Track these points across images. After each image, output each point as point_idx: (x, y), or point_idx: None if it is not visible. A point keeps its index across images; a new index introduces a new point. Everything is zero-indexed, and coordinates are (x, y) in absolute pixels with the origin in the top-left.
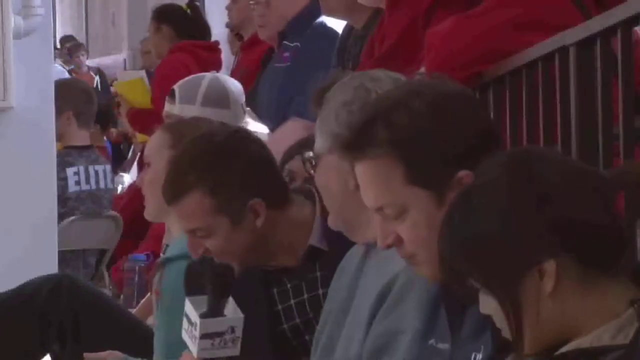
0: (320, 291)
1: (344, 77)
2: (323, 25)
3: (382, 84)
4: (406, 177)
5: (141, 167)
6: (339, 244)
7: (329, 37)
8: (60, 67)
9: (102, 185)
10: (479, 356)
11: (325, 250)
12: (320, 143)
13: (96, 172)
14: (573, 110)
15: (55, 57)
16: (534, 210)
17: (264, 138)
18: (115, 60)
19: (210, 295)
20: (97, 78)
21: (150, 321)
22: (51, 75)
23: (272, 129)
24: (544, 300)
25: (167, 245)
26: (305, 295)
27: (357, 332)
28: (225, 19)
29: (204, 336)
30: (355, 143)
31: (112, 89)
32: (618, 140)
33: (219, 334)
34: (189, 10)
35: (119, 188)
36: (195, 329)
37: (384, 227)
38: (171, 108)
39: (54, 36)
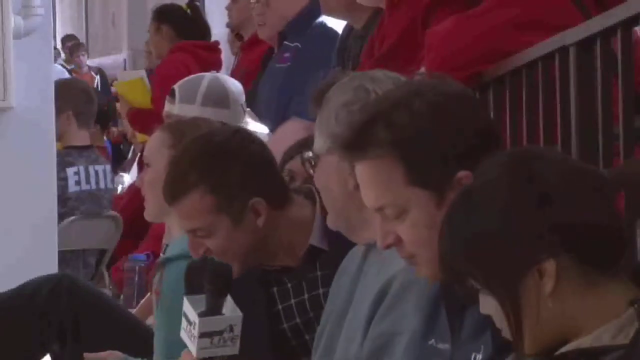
0: (321, 291)
1: (344, 77)
2: (323, 25)
3: (381, 84)
4: (406, 177)
5: (141, 167)
6: (340, 243)
7: (329, 37)
8: (60, 67)
9: (102, 185)
10: (479, 356)
11: (326, 250)
12: (319, 143)
13: (96, 172)
14: (573, 110)
15: (56, 57)
16: (534, 210)
17: (264, 138)
18: (115, 60)
19: (209, 294)
20: (97, 78)
21: (150, 321)
22: (51, 75)
23: (272, 129)
24: (544, 300)
25: (167, 245)
26: (306, 295)
27: (356, 332)
28: (225, 19)
29: (202, 335)
30: (355, 143)
31: (113, 89)
32: (618, 140)
33: (218, 333)
34: (189, 10)
35: (119, 188)
36: (194, 328)
37: (384, 227)
38: (171, 108)
39: (54, 36)
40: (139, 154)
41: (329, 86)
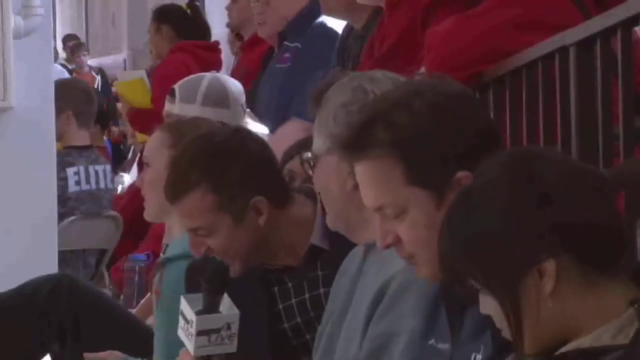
0: (322, 290)
1: (343, 77)
2: (323, 26)
3: (380, 84)
4: (406, 177)
5: (141, 167)
6: (340, 243)
7: (329, 37)
8: (60, 67)
9: (102, 185)
10: (479, 356)
11: (327, 250)
12: (318, 144)
13: (96, 172)
14: (573, 110)
15: (57, 57)
16: (534, 210)
17: (264, 138)
18: (115, 60)
19: (206, 293)
20: (98, 78)
21: (150, 321)
22: (51, 75)
23: (272, 130)
24: (544, 300)
25: (167, 245)
26: (307, 295)
27: (355, 333)
28: (225, 19)
29: (200, 333)
30: (355, 143)
31: (113, 89)
32: (618, 140)
33: (215, 331)
34: (189, 11)
35: (119, 188)
36: (192, 327)
37: (384, 227)
38: (171, 108)
39: (54, 36)
40: (139, 154)
41: (328, 86)
